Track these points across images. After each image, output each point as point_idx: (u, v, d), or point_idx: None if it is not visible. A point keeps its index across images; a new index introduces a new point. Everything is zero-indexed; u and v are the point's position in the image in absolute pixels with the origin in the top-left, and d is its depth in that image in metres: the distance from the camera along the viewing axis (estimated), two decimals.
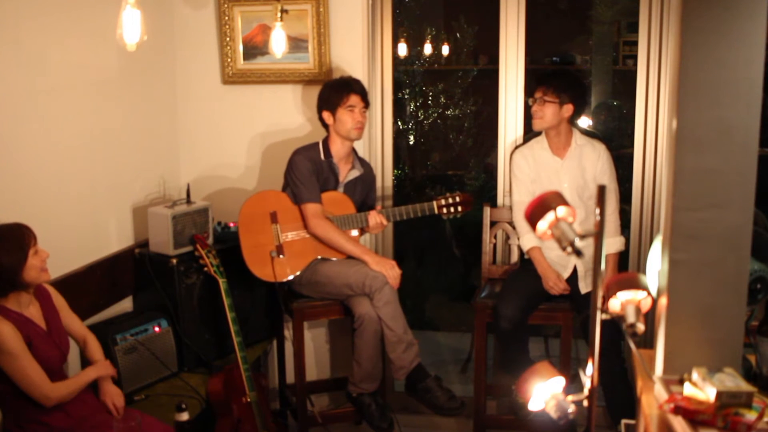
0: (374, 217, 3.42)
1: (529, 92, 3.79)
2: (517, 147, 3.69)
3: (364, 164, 3.60)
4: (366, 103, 3.46)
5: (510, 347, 3.43)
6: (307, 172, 3.40)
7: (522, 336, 3.46)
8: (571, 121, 3.52)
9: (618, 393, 3.37)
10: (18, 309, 2.47)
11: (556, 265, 3.49)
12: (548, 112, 3.44)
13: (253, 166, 3.91)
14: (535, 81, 3.53)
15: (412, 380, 3.34)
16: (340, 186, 3.50)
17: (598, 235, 1.71)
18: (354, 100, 3.40)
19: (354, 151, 3.55)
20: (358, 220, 3.43)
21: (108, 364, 2.78)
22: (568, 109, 3.44)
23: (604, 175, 3.47)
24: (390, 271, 3.30)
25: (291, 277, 3.41)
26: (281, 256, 3.38)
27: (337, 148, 3.47)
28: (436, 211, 3.44)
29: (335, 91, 3.41)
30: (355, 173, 3.53)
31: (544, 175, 3.52)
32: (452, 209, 3.46)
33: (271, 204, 3.42)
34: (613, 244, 3.46)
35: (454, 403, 3.31)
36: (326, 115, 3.44)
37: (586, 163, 3.48)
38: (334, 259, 3.42)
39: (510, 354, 3.44)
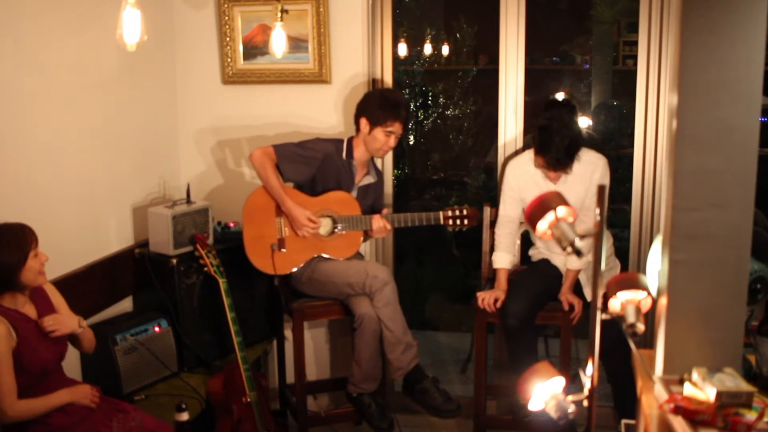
0: (378, 221, 3.37)
1: (528, 93, 3.78)
2: (510, 158, 3.64)
3: (378, 173, 3.61)
4: (405, 131, 3.46)
5: (518, 345, 3.38)
6: (308, 152, 3.39)
7: (530, 335, 3.43)
8: None
9: (626, 392, 3.35)
10: (14, 307, 2.47)
11: (563, 270, 3.47)
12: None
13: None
14: (538, 148, 3.27)
15: (409, 381, 3.34)
16: (354, 188, 3.50)
17: (598, 235, 1.71)
18: (396, 127, 3.37)
19: (371, 158, 3.55)
20: (362, 222, 3.42)
21: (86, 390, 2.61)
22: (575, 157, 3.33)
23: (593, 187, 3.37)
24: (307, 223, 3.31)
25: (289, 272, 3.41)
26: (282, 249, 3.38)
27: (360, 153, 3.47)
28: (441, 221, 3.41)
29: (383, 110, 3.35)
30: (370, 179, 3.54)
31: (533, 196, 3.43)
32: (458, 222, 3.41)
33: None
34: (575, 260, 3.32)
35: (451, 405, 3.31)
36: (364, 122, 3.40)
37: (578, 188, 3.37)
38: (334, 258, 3.42)
39: (518, 352, 3.39)
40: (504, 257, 3.51)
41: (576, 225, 3.33)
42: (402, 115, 3.38)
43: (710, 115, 1.78)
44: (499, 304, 3.39)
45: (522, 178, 3.46)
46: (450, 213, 3.42)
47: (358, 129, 3.45)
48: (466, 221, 3.42)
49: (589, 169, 3.36)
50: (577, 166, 3.34)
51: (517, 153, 3.68)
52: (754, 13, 1.74)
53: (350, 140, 3.49)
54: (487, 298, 3.40)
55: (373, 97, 3.44)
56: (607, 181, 3.39)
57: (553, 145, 3.20)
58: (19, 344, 2.42)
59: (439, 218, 3.41)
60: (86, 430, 2.54)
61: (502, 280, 3.47)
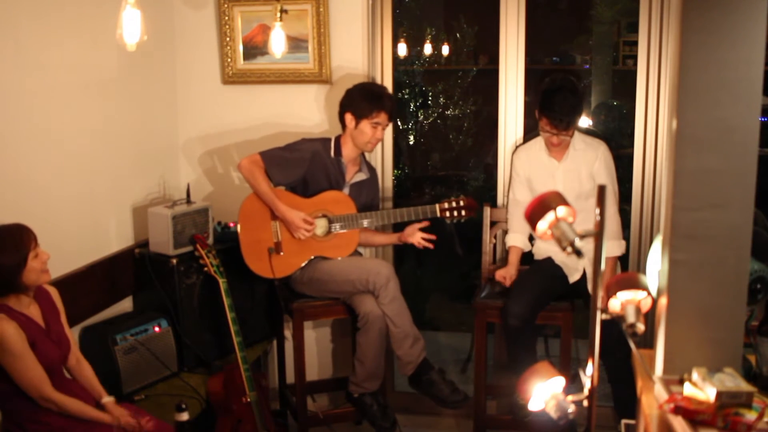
0: (416, 234, 3.44)
1: (528, 93, 3.78)
2: (519, 146, 3.70)
3: (371, 169, 3.59)
4: (391, 121, 3.47)
5: (517, 345, 3.39)
6: (296, 153, 3.39)
7: (530, 335, 3.44)
8: None
9: (626, 392, 3.35)
10: (19, 309, 2.47)
11: (567, 267, 3.48)
12: (569, 139, 3.44)
13: None
14: (541, 109, 3.38)
15: (416, 373, 3.34)
16: (346, 186, 3.49)
17: (598, 235, 1.71)
18: (382, 117, 3.37)
19: (362, 154, 3.55)
20: (358, 220, 3.41)
21: (126, 414, 2.60)
22: (578, 122, 3.44)
23: (600, 175, 3.44)
24: (302, 224, 3.31)
25: (288, 275, 3.41)
26: (280, 253, 3.38)
27: (348, 150, 3.46)
28: (438, 214, 3.41)
29: (367, 102, 3.36)
30: (362, 176, 3.52)
31: (540, 176, 3.51)
32: (456, 213, 3.41)
33: None
34: (611, 247, 3.43)
35: (457, 396, 3.32)
36: (349, 118, 3.40)
37: (582, 167, 3.46)
38: (333, 258, 3.41)
39: (518, 352, 3.40)
40: (516, 236, 3.59)
41: (579, 212, 3.39)
42: (387, 105, 3.38)
43: (710, 115, 1.78)
44: (508, 283, 3.46)
45: (528, 160, 3.57)
46: (446, 205, 3.41)
47: (344, 126, 3.44)
48: (463, 212, 3.41)
49: (591, 154, 3.47)
50: (580, 144, 3.49)
51: (523, 143, 3.72)
52: (754, 13, 1.74)
53: (338, 138, 3.48)
54: (499, 274, 3.50)
55: (355, 92, 3.42)
56: (611, 163, 3.50)
57: (555, 103, 3.33)
58: None
59: (435, 211, 3.41)
60: (86, 430, 2.54)
61: (513, 259, 3.55)
